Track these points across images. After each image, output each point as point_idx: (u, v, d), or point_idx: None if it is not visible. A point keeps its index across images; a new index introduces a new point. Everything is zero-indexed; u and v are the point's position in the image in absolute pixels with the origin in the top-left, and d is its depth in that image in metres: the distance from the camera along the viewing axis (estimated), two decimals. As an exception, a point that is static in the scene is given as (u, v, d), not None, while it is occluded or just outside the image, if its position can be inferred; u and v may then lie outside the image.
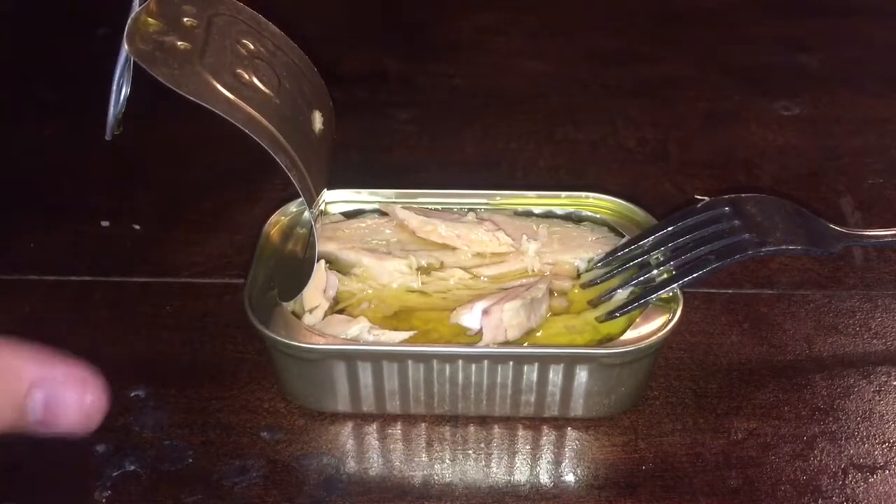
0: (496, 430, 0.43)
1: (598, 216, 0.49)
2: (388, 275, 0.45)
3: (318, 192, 0.45)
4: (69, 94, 0.66)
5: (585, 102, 0.68)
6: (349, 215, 0.49)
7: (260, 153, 0.40)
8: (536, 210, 0.49)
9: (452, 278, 0.45)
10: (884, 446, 0.42)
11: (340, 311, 0.44)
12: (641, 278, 0.44)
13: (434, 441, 0.43)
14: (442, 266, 0.46)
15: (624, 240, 0.47)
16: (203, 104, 0.39)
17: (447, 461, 0.42)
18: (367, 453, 0.42)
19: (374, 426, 0.43)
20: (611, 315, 0.43)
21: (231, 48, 0.42)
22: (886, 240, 0.47)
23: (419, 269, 0.46)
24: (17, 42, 0.74)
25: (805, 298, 0.51)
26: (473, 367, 0.41)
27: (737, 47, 0.75)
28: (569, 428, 0.43)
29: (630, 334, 0.41)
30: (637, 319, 0.42)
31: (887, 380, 0.46)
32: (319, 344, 0.41)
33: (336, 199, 0.49)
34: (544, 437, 0.43)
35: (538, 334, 0.43)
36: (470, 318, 0.42)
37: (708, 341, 0.48)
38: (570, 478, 0.41)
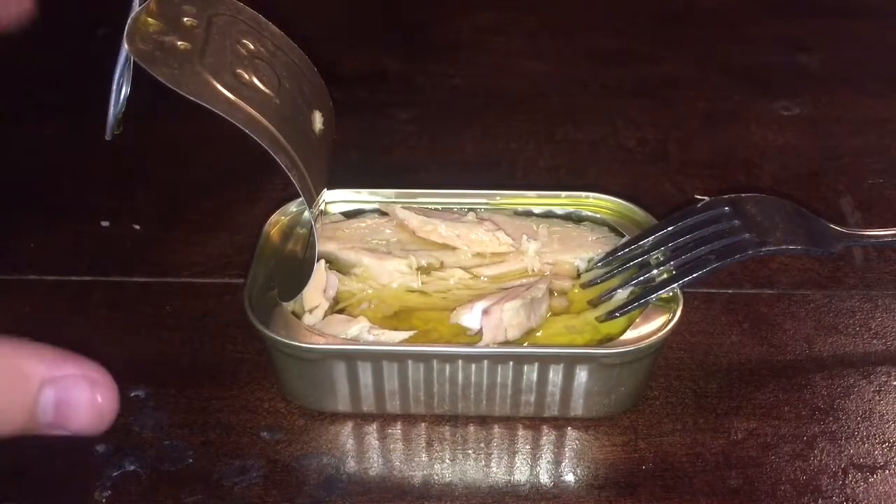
0: (496, 430, 0.43)
1: (598, 216, 0.49)
2: (388, 275, 0.45)
3: (318, 192, 0.45)
4: (69, 94, 0.66)
5: (585, 102, 0.68)
6: (349, 215, 0.49)
7: (260, 153, 0.40)
8: (536, 210, 0.49)
9: (452, 278, 0.45)
10: (884, 446, 0.42)
11: (340, 311, 0.44)
12: (641, 278, 0.44)
13: (434, 441, 0.43)
14: (442, 266, 0.46)
15: (624, 240, 0.47)
16: (203, 104, 0.39)
17: (447, 461, 0.42)
18: (367, 453, 0.42)
19: (374, 426, 0.43)
20: (611, 315, 0.43)
21: (231, 48, 0.42)
22: (886, 240, 0.47)
23: (419, 268, 0.46)
24: (17, 42, 0.74)
25: (805, 298, 0.51)
26: (473, 367, 0.41)
27: (737, 47, 0.75)
28: (569, 428, 0.43)
29: (630, 334, 0.41)
30: (637, 319, 0.42)
31: (887, 380, 0.46)
32: (319, 344, 0.41)
33: (336, 199, 0.49)
34: (544, 437, 0.43)
35: (538, 334, 0.43)
36: (470, 318, 0.42)
37: (708, 341, 0.48)
38: (570, 478, 0.41)
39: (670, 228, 0.45)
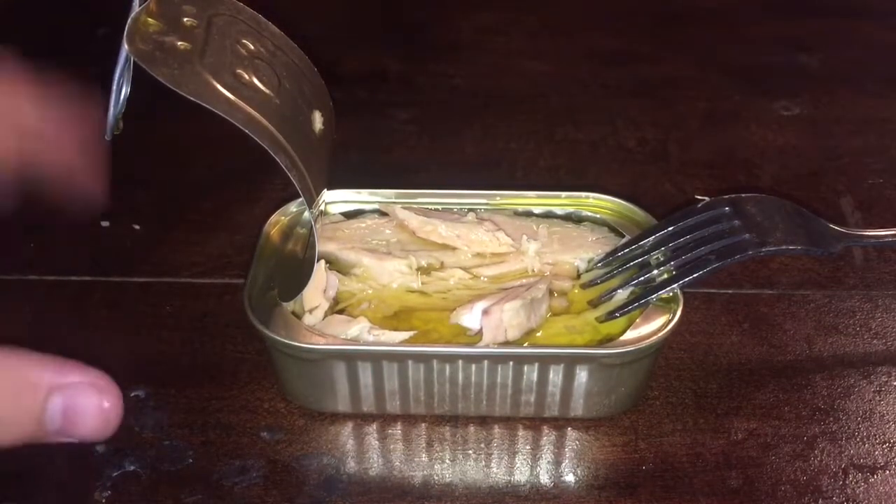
0: (496, 430, 0.43)
1: (598, 216, 0.49)
2: (388, 275, 0.45)
3: (318, 192, 0.45)
4: (69, 94, 0.66)
5: (585, 102, 0.68)
6: (349, 215, 0.49)
7: (260, 153, 0.40)
8: (536, 210, 0.49)
9: (452, 278, 0.45)
10: (884, 446, 0.42)
11: (340, 311, 0.44)
12: (641, 278, 0.44)
13: (434, 441, 0.43)
14: (442, 266, 0.46)
15: (624, 240, 0.47)
16: (203, 104, 0.39)
17: (447, 461, 0.42)
18: (367, 453, 0.42)
19: (374, 426, 0.43)
20: (611, 315, 0.43)
21: (231, 48, 0.42)
22: (886, 240, 0.47)
23: (419, 269, 0.46)
24: (17, 42, 0.74)
25: (805, 298, 0.51)
26: (473, 367, 0.41)
27: (737, 47, 0.75)
28: (569, 428, 0.43)
29: (630, 334, 0.41)
30: (637, 319, 0.42)
31: (887, 380, 0.46)
32: (319, 344, 0.41)
33: (336, 199, 0.49)
34: (544, 437, 0.43)
35: (538, 334, 0.43)
36: (470, 318, 0.42)
37: (708, 341, 0.48)
38: (570, 478, 0.41)
39: (670, 228, 0.45)
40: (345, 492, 0.40)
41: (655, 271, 0.44)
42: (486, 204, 0.49)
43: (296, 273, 0.44)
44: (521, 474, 0.41)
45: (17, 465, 0.40)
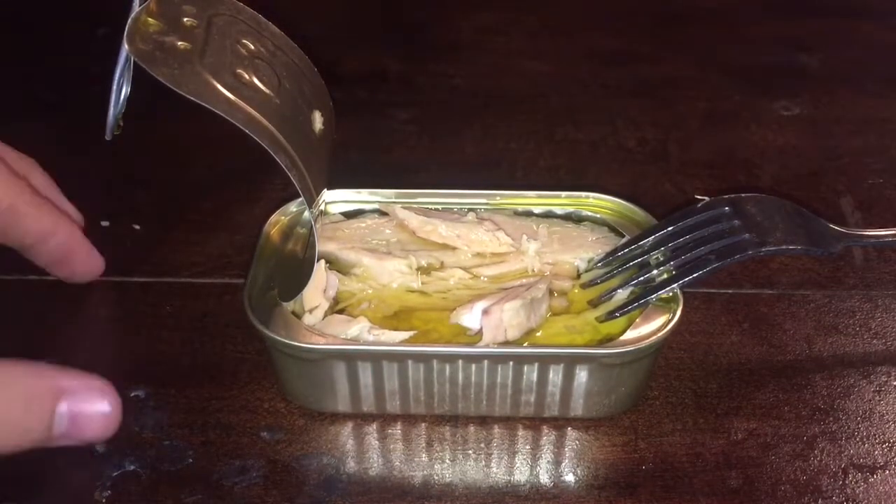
0: (496, 430, 0.43)
1: (598, 216, 0.49)
2: (388, 275, 0.45)
3: (318, 192, 0.45)
4: (69, 94, 0.66)
5: (585, 102, 0.68)
6: (349, 215, 0.49)
7: (260, 153, 0.40)
8: (536, 210, 0.49)
9: (452, 278, 0.45)
10: (884, 446, 0.42)
11: (340, 311, 0.44)
12: (641, 278, 0.44)
13: (434, 441, 0.43)
14: (442, 266, 0.46)
15: (624, 240, 0.47)
16: (203, 104, 0.39)
17: (447, 461, 0.42)
18: (367, 453, 0.42)
19: (374, 426, 0.43)
20: (611, 315, 0.43)
21: (231, 48, 0.42)
22: (886, 240, 0.47)
23: (419, 269, 0.46)
24: (17, 42, 0.74)
25: (805, 298, 0.51)
26: (473, 367, 0.41)
27: (737, 47, 0.75)
28: (569, 428, 0.43)
29: (630, 334, 0.41)
30: (637, 319, 0.42)
31: (887, 380, 0.46)
32: (319, 344, 0.41)
33: (336, 199, 0.49)
34: (544, 437, 0.43)
35: (538, 334, 0.43)
36: (470, 318, 0.42)
37: (708, 341, 0.48)
38: (570, 478, 0.41)
39: (670, 228, 0.45)
40: (345, 492, 0.40)
41: (655, 271, 0.44)
42: (486, 204, 0.49)
43: (296, 273, 0.44)
44: (521, 474, 0.41)
45: (17, 465, 0.40)
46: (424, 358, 0.41)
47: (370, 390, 0.42)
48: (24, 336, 0.48)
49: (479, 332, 0.42)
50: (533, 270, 0.46)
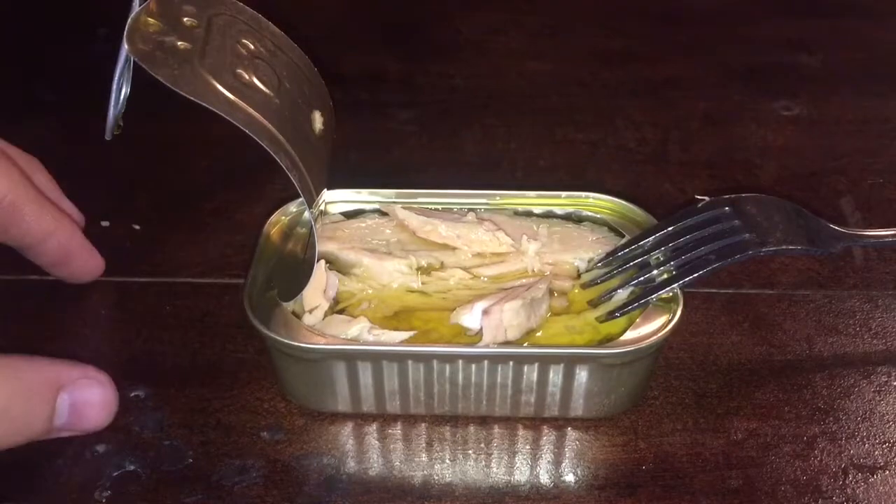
0: (496, 430, 0.43)
1: (598, 216, 0.49)
2: (388, 275, 0.45)
3: (318, 192, 0.45)
4: (69, 94, 0.66)
5: (585, 102, 0.68)
6: (349, 215, 0.49)
7: (260, 153, 0.40)
8: (536, 210, 0.49)
9: (452, 278, 0.45)
10: (884, 446, 0.42)
11: (340, 311, 0.44)
12: (641, 278, 0.44)
13: (434, 441, 0.43)
14: (442, 266, 0.46)
15: (624, 240, 0.47)
16: (203, 104, 0.39)
17: (447, 461, 0.42)
18: (367, 453, 0.42)
19: (374, 426, 0.43)
20: (611, 315, 0.43)
21: (231, 48, 0.42)
22: (886, 240, 0.47)
23: (419, 269, 0.46)
24: (17, 42, 0.74)
25: (805, 298, 0.51)
26: (473, 367, 0.41)
27: (737, 47, 0.75)
28: (569, 428, 0.43)
29: (630, 334, 0.41)
30: (637, 319, 0.42)
31: (887, 380, 0.46)
32: (319, 344, 0.41)
33: (336, 199, 0.49)
34: (544, 437, 0.43)
35: (538, 334, 0.43)
36: (470, 318, 0.42)
37: (708, 341, 0.48)
38: (570, 478, 0.41)
39: (670, 228, 0.45)
40: (345, 492, 0.40)
41: (655, 271, 0.44)
42: (486, 204, 0.49)
43: (296, 273, 0.44)
44: (521, 474, 0.41)
45: (17, 465, 0.40)
46: (424, 358, 0.41)
47: (370, 390, 0.42)
48: (24, 336, 0.48)
49: (479, 333, 0.42)
50: (533, 270, 0.46)
